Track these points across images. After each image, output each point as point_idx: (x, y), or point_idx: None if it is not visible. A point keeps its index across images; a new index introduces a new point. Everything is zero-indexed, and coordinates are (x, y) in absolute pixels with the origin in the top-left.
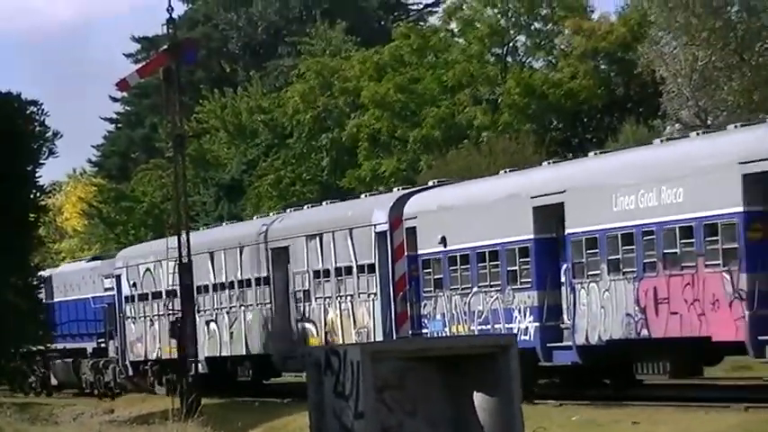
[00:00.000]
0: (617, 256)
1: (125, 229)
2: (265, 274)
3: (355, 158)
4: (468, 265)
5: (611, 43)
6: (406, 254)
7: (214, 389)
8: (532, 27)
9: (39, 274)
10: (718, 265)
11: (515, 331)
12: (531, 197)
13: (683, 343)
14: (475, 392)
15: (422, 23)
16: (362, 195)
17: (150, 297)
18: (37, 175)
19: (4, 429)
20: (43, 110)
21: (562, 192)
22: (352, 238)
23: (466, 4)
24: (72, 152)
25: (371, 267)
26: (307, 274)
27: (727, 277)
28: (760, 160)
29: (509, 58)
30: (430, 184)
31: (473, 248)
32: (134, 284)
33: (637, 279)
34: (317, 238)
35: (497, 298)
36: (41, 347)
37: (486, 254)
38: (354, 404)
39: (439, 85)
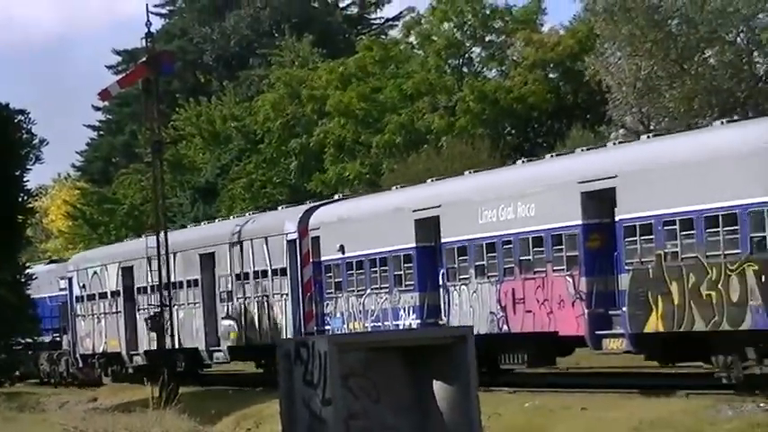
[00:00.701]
0: (482, 262)
1: (107, 229)
2: (196, 277)
3: (322, 163)
4: (363, 270)
5: (560, 54)
6: (311, 260)
7: (155, 379)
8: (486, 39)
9: (26, 271)
10: (563, 269)
11: (401, 327)
12: (413, 211)
13: (536, 337)
14: (434, 381)
15: (383, 37)
16: (279, 208)
17: (97, 297)
18: (24, 179)
19: None
20: (30, 118)
21: (438, 206)
22: (267, 246)
23: (424, 18)
24: (57, 158)
25: (284, 271)
26: (230, 277)
27: (570, 280)
28: (595, 180)
29: (464, 69)
30: (335, 198)
31: (366, 255)
32: (83, 286)
33: (498, 282)
34: (239, 246)
35: (387, 299)
36: (29, 340)
37: (377, 260)
38: (322, 392)
39: (399, 94)
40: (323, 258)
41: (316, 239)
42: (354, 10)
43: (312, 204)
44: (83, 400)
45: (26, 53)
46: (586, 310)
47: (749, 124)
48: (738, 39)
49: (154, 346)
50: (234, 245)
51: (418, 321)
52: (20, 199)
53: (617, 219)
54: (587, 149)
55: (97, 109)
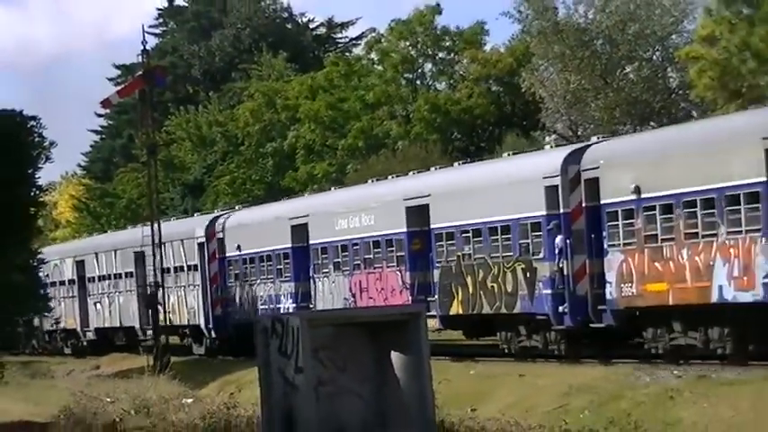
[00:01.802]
0: (338, 260)
1: (108, 220)
2: (131, 270)
3: (294, 163)
4: (255, 265)
5: (501, 70)
6: (217, 257)
7: (105, 350)
8: (437, 57)
9: (37, 256)
10: (394, 266)
11: (282, 311)
12: (290, 218)
13: None
14: (392, 352)
15: (348, 54)
16: (196, 214)
17: (58, 284)
18: (36, 176)
19: (10, 382)
20: (41, 123)
21: (306, 216)
22: (183, 247)
23: (383, 38)
24: (64, 158)
25: (196, 267)
26: (157, 271)
27: (399, 274)
28: (415, 197)
29: (418, 82)
30: (237, 208)
31: (257, 253)
32: (46, 275)
33: (349, 275)
34: (163, 246)
35: (272, 287)
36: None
37: (265, 256)
38: (295, 361)
39: (362, 104)
40: (227, 255)
41: (220, 240)
42: (323, 30)
43: (217, 214)
44: (87, 368)
45: (30, 68)
46: (410, 297)
47: (530, 156)
48: (654, 56)
49: (102, 324)
50: (158, 245)
51: (294, 305)
52: (32, 194)
53: (431, 227)
54: (412, 174)
55: (99, 116)
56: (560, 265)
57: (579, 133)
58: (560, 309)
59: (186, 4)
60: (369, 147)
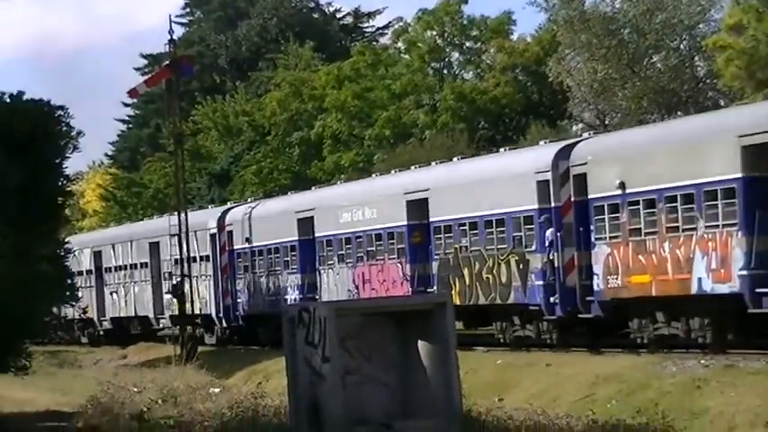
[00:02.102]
0: (342, 252)
1: (135, 209)
2: (146, 260)
3: (321, 152)
4: (263, 257)
5: (528, 59)
6: (227, 249)
7: (121, 340)
8: (464, 46)
9: (65, 246)
10: (396, 258)
11: (289, 302)
12: (296, 212)
13: None
14: (419, 341)
15: (375, 43)
16: (210, 206)
17: (76, 274)
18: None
19: (38, 372)
20: (68, 113)
21: (312, 209)
22: (197, 238)
23: (410, 27)
24: (92, 147)
25: (208, 257)
26: (170, 261)
27: (400, 266)
28: (415, 191)
29: (445, 71)
30: (249, 200)
31: (266, 245)
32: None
33: (353, 267)
34: (176, 237)
35: (279, 279)
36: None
37: (273, 249)
38: (322, 351)
39: (388, 93)
40: (235, 247)
41: (230, 233)
42: (350, 20)
43: (228, 206)
44: (114, 357)
45: (56, 59)
46: (410, 289)
47: (523, 152)
48: (682, 45)
49: (118, 314)
50: (173, 236)
51: (300, 296)
52: (59, 183)
53: (430, 221)
54: (412, 169)
55: (126, 105)
56: (551, 258)
57: (606, 122)
58: (551, 299)
59: None
60: (396, 136)
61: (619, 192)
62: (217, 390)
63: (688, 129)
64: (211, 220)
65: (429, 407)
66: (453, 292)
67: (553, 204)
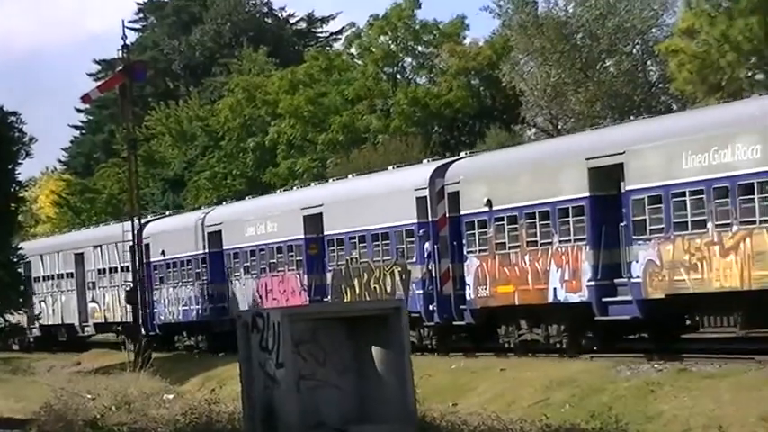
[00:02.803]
0: (248, 264)
1: (89, 215)
2: (71, 270)
3: (275, 158)
4: (176, 268)
5: (480, 63)
6: (145, 261)
7: (49, 347)
8: (417, 51)
9: (18, 252)
10: (294, 269)
11: (194, 312)
12: (207, 226)
13: None
14: (373, 346)
15: (328, 48)
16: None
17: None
18: (16, 172)
19: None
20: (21, 119)
21: (221, 223)
22: (117, 249)
23: (363, 32)
24: (45, 154)
25: (128, 268)
26: (94, 272)
27: (298, 277)
28: (311, 207)
29: (398, 76)
30: (166, 213)
31: (179, 258)
32: None
33: (257, 278)
34: (99, 248)
35: (191, 288)
36: (20, 311)
37: (185, 261)
38: (276, 356)
39: (342, 98)
40: (152, 260)
41: (147, 246)
42: (303, 25)
43: (147, 219)
44: (68, 364)
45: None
46: (308, 298)
47: (406, 170)
48: (634, 50)
49: (47, 321)
50: (96, 247)
51: (210, 306)
52: (12, 189)
53: (324, 234)
54: (307, 186)
55: (79, 111)
56: (429, 268)
57: (560, 127)
58: (430, 307)
59: (166, 0)
60: (349, 141)
61: (486, 209)
62: (171, 396)
63: (544, 152)
64: (129, 233)
65: (384, 411)
66: (345, 300)
67: (430, 219)
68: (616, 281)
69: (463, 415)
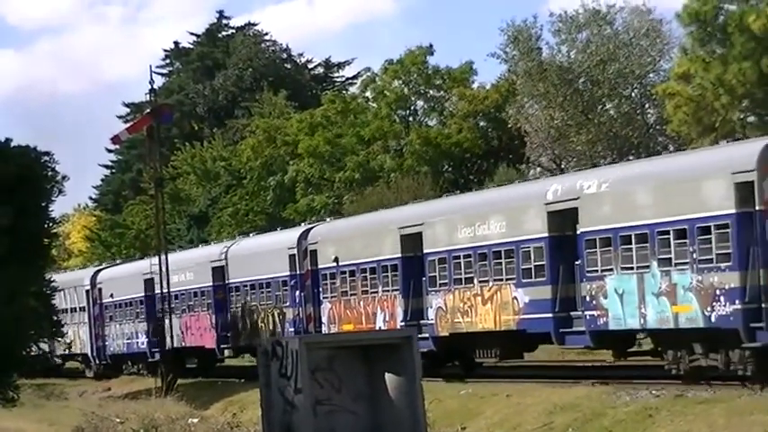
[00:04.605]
0: (174, 305)
1: (118, 249)
2: (83, 305)
3: (294, 195)
4: (122, 308)
5: (488, 106)
6: (98, 302)
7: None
8: (428, 94)
9: (51, 285)
10: (206, 311)
11: (138, 345)
12: (143, 274)
13: (201, 350)
14: (386, 373)
15: (344, 92)
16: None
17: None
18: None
19: (26, 404)
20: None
21: (155, 272)
22: (76, 292)
23: (378, 77)
24: (77, 191)
25: (84, 308)
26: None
27: (209, 317)
28: (217, 260)
29: (411, 118)
30: (117, 262)
31: (124, 299)
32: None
33: (180, 317)
34: (63, 291)
35: (132, 326)
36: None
37: (128, 302)
38: (294, 382)
39: (357, 139)
40: (104, 301)
41: (100, 289)
42: (321, 70)
43: (98, 268)
44: (98, 389)
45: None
46: (216, 334)
47: (283, 232)
48: (633, 94)
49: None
50: (60, 290)
51: (147, 340)
52: (46, 225)
53: (227, 282)
54: (215, 243)
55: (109, 151)
56: (299, 311)
57: (563, 166)
58: None
59: (191, 46)
60: (364, 179)
61: (334, 264)
62: (195, 420)
63: (371, 222)
64: (86, 279)
65: None
66: (242, 336)
67: (299, 272)
68: (421, 322)
69: None
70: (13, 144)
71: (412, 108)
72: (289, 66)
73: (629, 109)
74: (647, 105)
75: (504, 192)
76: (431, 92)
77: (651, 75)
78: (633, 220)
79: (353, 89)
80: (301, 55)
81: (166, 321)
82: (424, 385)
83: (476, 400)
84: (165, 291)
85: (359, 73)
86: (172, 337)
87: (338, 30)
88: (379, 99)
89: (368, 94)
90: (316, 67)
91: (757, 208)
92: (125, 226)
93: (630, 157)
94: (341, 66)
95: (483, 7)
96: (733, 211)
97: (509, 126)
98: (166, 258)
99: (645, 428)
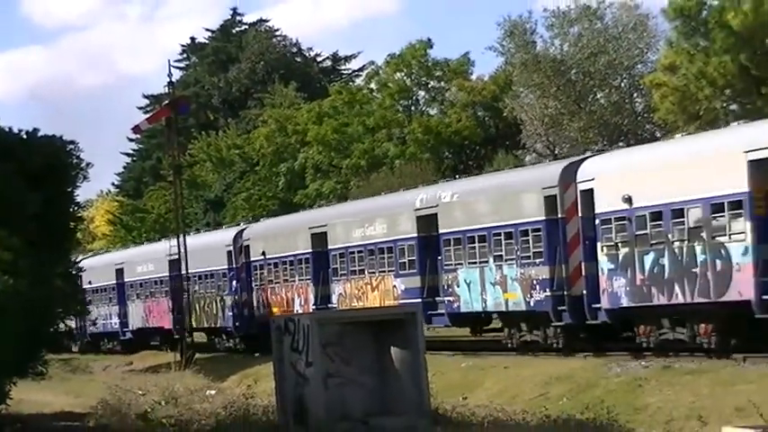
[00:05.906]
0: (138, 292)
1: (139, 233)
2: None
3: (304, 181)
4: (98, 294)
5: (486, 96)
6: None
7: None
8: (429, 85)
9: (77, 266)
10: (164, 297)
11: (111, 326)
12: (115, 264)
13: (160, 330)
14: (392, 347)
15: (351, 83)
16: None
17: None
18: (75, 194)
19: (54, 377)
20: (78, 147)
21: (123, 263)
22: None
23: (381, 70)
24: (100, 178)
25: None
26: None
27: (167, 302)
28: (174, 254)
29: (413, 108)
30: (100, 252)
31: (101, 286)
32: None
33: (144, 302)
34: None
35: (107, 308)
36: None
37: (102, 288)
38: (306, 356)
39: (363, 128)
40: (84, 286)
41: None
42: (328, 63)
43: (81, 257)
44: (121, 364)
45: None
46: (172, 317)
47: (222, 231)
48: (622, 84)
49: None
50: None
51: (117, 321)
52: (71, 210)
53: (187, 273)
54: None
55: (131, 140)
56: (236, 297)
57: (556, 152)
58: (237, 323)
59: (207, 41)
60: (370, 166)
61: (262, 257)
62: (212, 392)
63: (290, 222)
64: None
65: (402, 405)
66: (193, 319)
67: (235, 265)
68: (329, 306)
69: (472, 407)
70: (40, 134)
71: (414, 98)
72: (298, 59)
73: (619, 98)
74: (635, 95)
75: (386, 199)
76: (431, 83)
77: (639, 66)
78: (476, 224)
79: (359, 81)
80: (310, 49)
81: (130, 306)
82: (428, 359)
83: (476, 372)
84: (180, 275)
85: (364, 66)
86: (134, 319)
87: (344, 25)
88: (383, 90)
89: (372, 85)
90: (324, 60)
91: (560, 216)
92: (145, 211)
93: (621, 144)
94: (347, 59)
95: (480, 3)
96: (543, 218)
97: (505, 115)
98: (185, 241)
99: (635, 398)
